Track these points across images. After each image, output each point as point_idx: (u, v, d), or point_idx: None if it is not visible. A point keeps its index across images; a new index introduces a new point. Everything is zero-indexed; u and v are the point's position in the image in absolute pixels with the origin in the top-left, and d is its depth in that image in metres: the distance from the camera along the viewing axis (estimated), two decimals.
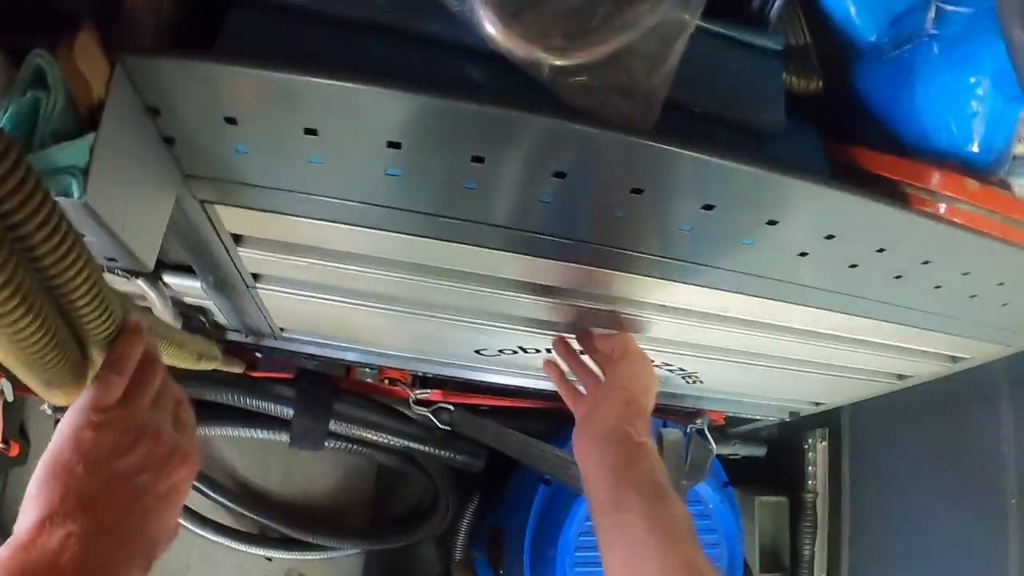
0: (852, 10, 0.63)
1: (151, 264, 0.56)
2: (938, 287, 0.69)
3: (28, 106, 0.45)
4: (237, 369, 0.75)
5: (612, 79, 0.49)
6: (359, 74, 0.46)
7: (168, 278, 0.73)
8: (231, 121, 0.49)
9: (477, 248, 0.57)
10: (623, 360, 0.68)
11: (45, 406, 0.90)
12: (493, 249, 0.57)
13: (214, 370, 0.86)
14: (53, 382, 0.45)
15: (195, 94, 0.48)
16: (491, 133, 0.48)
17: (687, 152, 0.49)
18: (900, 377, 0.95)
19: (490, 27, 0.48)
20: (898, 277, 0.67)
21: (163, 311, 0.74)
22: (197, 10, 0.53)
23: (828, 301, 0.69)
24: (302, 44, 0.51)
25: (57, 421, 0.87)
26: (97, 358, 0.48)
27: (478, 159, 0.49)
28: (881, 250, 0.62)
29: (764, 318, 0.73)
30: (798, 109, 0.62)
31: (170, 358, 0.61)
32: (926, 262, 0.64)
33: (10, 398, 1.15)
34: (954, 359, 0.89)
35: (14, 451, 1.11)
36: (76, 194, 0.45)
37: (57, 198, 0.46)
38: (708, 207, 0.54)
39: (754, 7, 0.60)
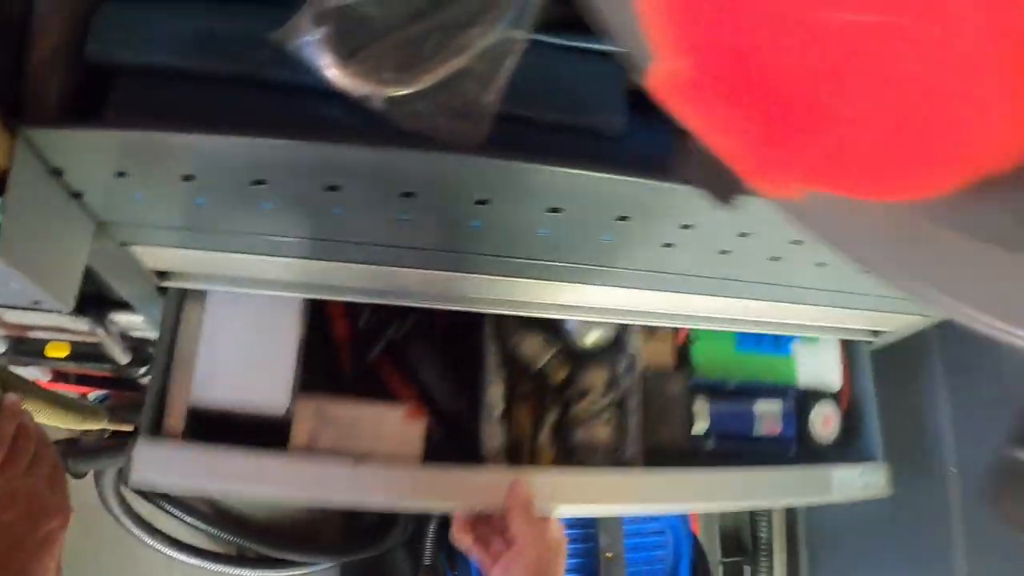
0: None
1: (71, 303, 0.64)
2: (821, 264, 0.74)
3: None
4: (127, 428, 0.86)
5: (444, 101, 0.56)
6: (217, 127, 0.54)
7: (114, 315, 0.82)
8: (122, 175, 0.57)
9: (352, 264, 0.65)
10: (518, 523, 0.70)
11: None
12: (367, 264, 0.65)
13: None
14: None
15: (87, 156, 0.56)
16: (336, 165, 0.55)
17: (513, 162, 0.55)
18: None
19: (328, 70, 0.55)
20: (775, 259, 0.71)
21: (113, 346, 0.83)
22: (88, 81, 0.62)
23: (715, 287, 0.75)
24: (178, 102, 0.58)
25: None
26: None
27: (333, 187, 0.57)
28: (744, 235, 0.67)
29: (659, 309, 0.79)
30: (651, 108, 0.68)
31: (57, 421, 0.72)
32: (795, 242, 0.69)
33: None
34: (875, 333, 0.93)
35: None
36: None
37: None
38: (555, 210, 0.60)
39: None
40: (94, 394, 1.06)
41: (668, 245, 0.66)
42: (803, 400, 0.97)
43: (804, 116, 0.18)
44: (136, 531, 1.15)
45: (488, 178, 0.56)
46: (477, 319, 0.82)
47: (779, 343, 0.97)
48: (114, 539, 1.11)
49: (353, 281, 0.70)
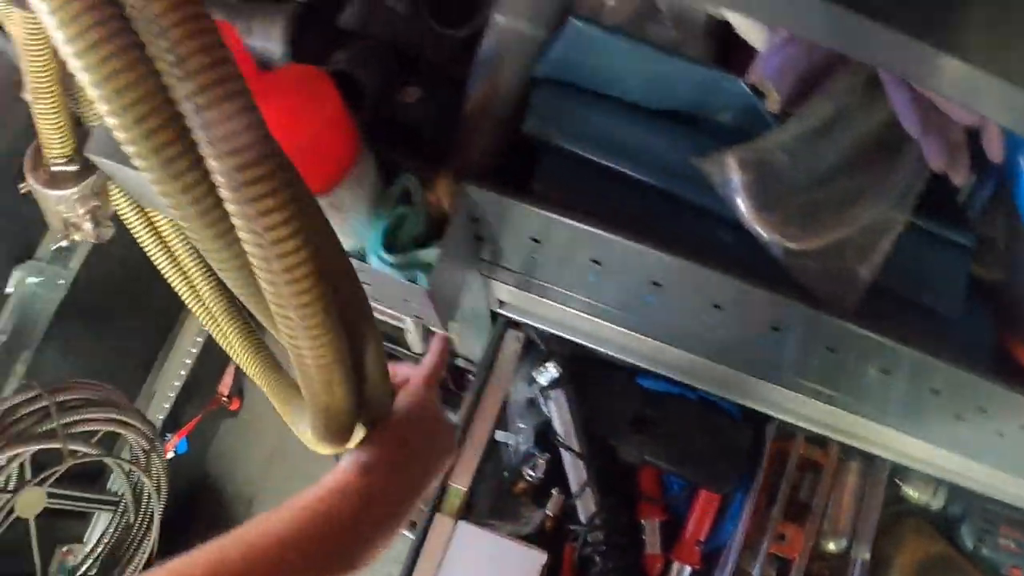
0: None
1: (447, 325, 0.85)
2: None
3: (396, 217, 0.75)
4: None
5: (829, 264, 0.74)
6: (635, 232, 0.72)
7: None
8: (535, 240, 0.77)
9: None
10: (409, 410, 0.63)
11: None
12: (717, 363, 0.84)
13: None
14: (330, 425, 0.54)
15: (511, 218, 0.76)
16: (728, 291, 0.73)
17: (871, 335, 0.72)
18: None
19: (744, 211, 0.73)
20: None
21: (415, 338, 1.05)
22: (511, 148, 0.81)
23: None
24: (597, 195, 0.77)
25: None
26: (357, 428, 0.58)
27: (717, 306, 0.75)
28: None
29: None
30: (980, 293, 0.82)
31: None
32: None
33: None
34: None
35: (235, 406, 1.49)
36: (424, 284, 0.74)
37: (407, 283, 0.75)
38: (885, 371, 0.77)
39: (959, 202, 0.82)
40: None
41: (959, 418, 0.82)
42: None
43: None
44: None
45: (841, 335, 0.74)
46: None
47: None
48: None
49: (668, 357, 0.89)
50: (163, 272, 0.91)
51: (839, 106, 0.75)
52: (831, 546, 1.03)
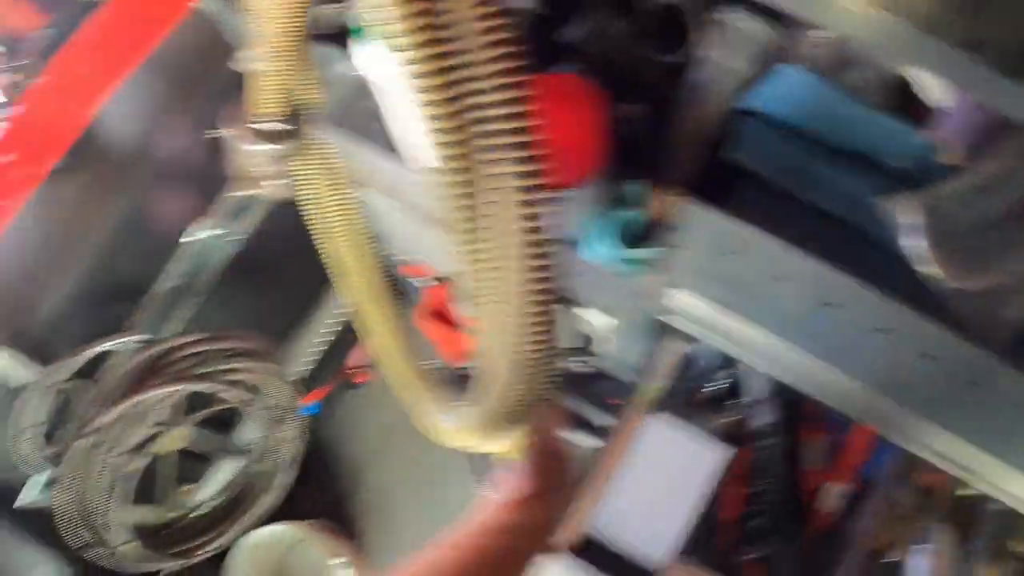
0: None
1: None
2: None
3: (620, 218, 0.86)
4: None
5: (985, 304, 0.84)
6: (812, 252, 0.83)
7: (579, 311, 1.14)
8: (723, 253, 0.88)
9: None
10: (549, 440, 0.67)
11: None
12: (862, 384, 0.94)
13: None
14: (494, 421, 0.59)
15: (708, 229, 0.87)
16: (894, 317, 0.84)
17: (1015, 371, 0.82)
18: None
19: (917, 250, 0.83)
20: None
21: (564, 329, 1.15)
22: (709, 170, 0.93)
23: None
24: (783, 217, 0.88)
25: None
26: None
27: (879, 330, 0.85)
28: None
29: None
30: None
31: None
32: None
33: None
34: None
35: (362, 378, 1.59)
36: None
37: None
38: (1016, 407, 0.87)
39: None
40: None
41: None
42: None
43: None
44: None
45: (984, 368, 0.83)
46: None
47: None
48: None
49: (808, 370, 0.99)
50: (321, 249, 0.96)
51: (1007, 166, 0.86)
52: (968, 491, 1.12)
